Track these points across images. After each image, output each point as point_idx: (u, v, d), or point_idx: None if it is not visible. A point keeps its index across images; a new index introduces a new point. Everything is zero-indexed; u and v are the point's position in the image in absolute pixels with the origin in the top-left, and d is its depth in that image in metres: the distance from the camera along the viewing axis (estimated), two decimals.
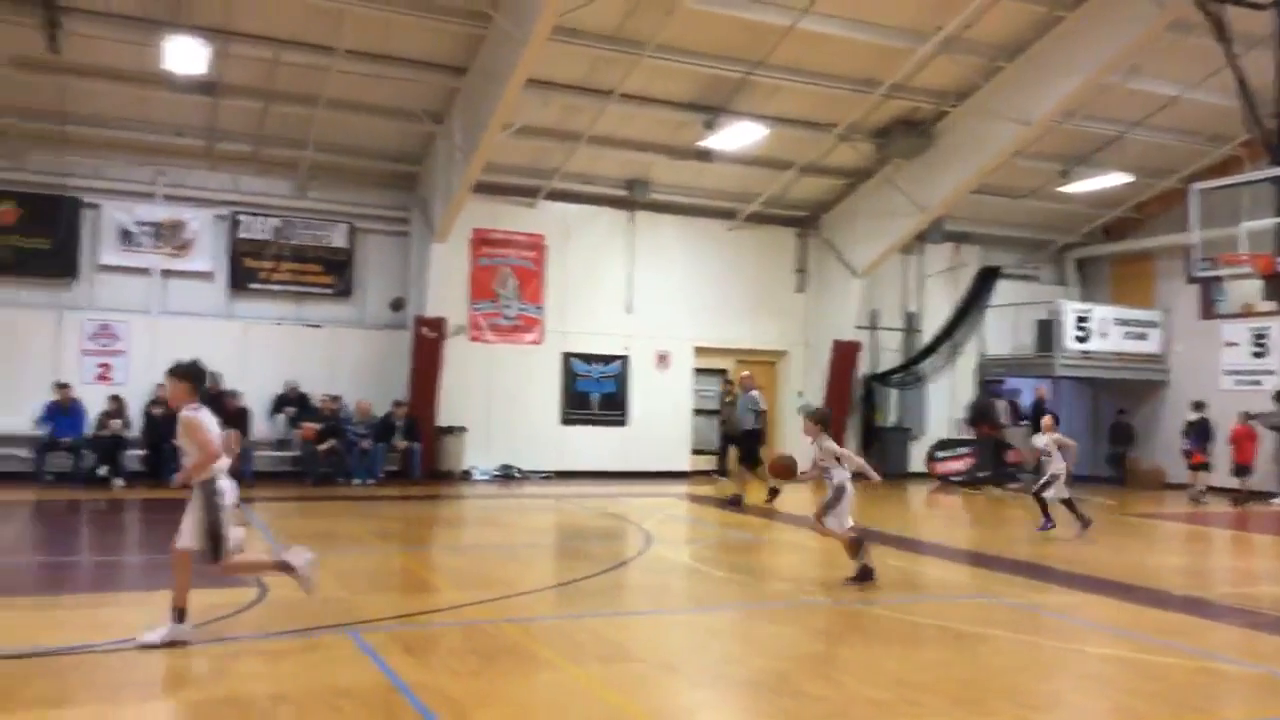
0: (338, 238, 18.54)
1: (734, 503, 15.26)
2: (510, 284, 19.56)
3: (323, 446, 16.88)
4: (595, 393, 20.18)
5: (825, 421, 9.24)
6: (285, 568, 6.80)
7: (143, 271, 17.20)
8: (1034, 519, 12.81)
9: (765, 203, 20.72)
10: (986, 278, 22.19)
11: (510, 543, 11.87)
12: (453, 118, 16.92)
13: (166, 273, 17.36)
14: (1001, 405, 21.43)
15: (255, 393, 16.96)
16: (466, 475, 18.48)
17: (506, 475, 18.84)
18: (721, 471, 19.02)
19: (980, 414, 21.11)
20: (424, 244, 18.33)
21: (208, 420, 6.46)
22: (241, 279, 17.83)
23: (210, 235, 17.64)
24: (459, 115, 16.65)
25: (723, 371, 21.19)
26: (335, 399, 17.49)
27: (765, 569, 10.63)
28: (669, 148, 18.83)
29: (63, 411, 15.67)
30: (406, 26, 15.04)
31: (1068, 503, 12.48)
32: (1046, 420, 13.22)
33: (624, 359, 20.36)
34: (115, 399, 16.04)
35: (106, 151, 16.88)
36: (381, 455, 17.36)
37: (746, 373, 17.07)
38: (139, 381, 16.48)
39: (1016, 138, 17.34)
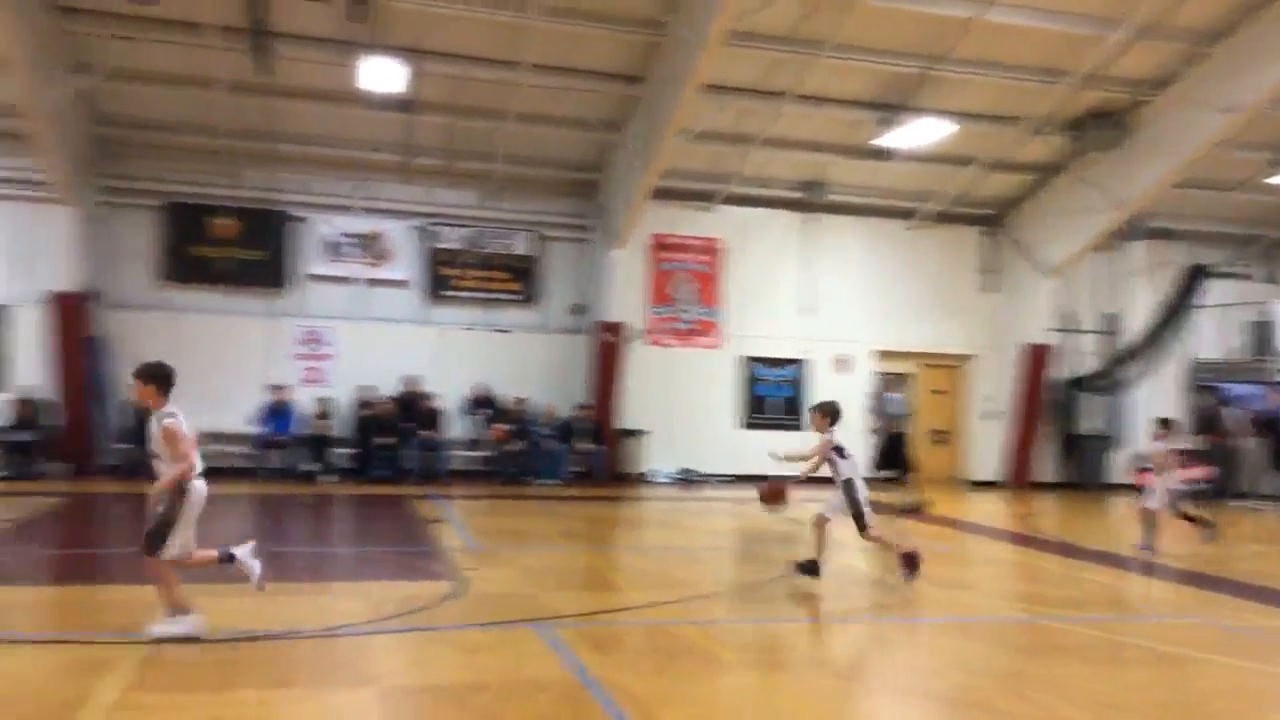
0: (523, 245, 19.20)
1: (912, 511, 14.90)
2: (687, 288, 19.73)
3: (511, 447, 17.50)
4: (774, 396, 20.09)
5: (834, 414, 8.83)
6: (228, 559, 6.75)
7: (346, 280, 18.31)
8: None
9: (947, 201, 20.11)
10: (1193, 277, 20.79)
11: (691, 545, 11.99)
12: (630, 126, 17.23)
13: (368, 281, 18.41)
14: (1229, 412, 20.02)
15: (450, 395, 17.78)
16: (646, 478, 18.75)
17: (686, 478, 19.00)
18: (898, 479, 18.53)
19: (1208, 422, 19.81)
20: (604, 250, 18.74)
21: (186, 428, 6.42)
22: (435, 286, 18.72)
23: (407, 245, 18.60)
24: (637, 123, 16.94)
25: (902, 376, 20.68)
26: (522, 401, 18.11)
27: (956, 580, 10.31)
28: (845, 147, 18.55)
29: (277, 412, 16.86)
30: (586, 38, 15.43)
31: None
32: None
33: (802, 363, 20.18)
34: (323, 400, 17.13)
35: (312, 168, 18.07)
36: (565, 457, 17.84)
37: (885, 374, 16.39)
38: (345, 384, 17.55)
39: (1223, 127, 16.19)
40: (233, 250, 17.72)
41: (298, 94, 16.38)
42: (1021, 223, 20.85)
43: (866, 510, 8.54)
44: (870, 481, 9.14)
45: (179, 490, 6.40)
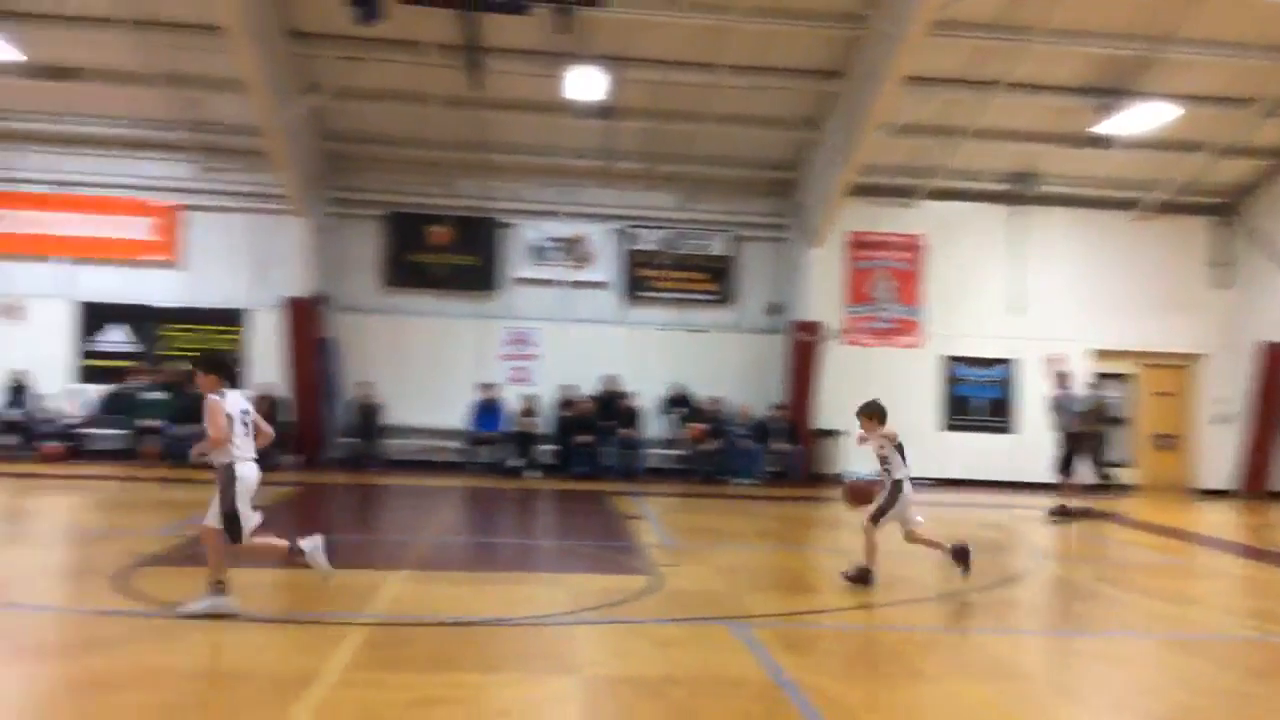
0: (720, 246, 19.30)
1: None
2: (886, 286, 19.30)
3: (707, 446, 17.64)
4: (978, 398, 19.35)
5: (878, 414, 8.75)
6: (297, 552, 7.07)
7: (550, 283, 18.97)
8: None
9: (1172, 190, 18.78)
10: None
11: (889, 549, 11.72)
12: (829, 122, 17.02)
13: (570, 283, 19.00)
14: None
15: (647, 394, 18.11)
16: (844, 479, 18.43)
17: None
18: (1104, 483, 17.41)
19: None
20: (800, 249, 18.59)
21: (226, 407, 6.73)
22: (633, 287, 19.11)
23: (607, 248, 19.08)
24: (835, 119, 16.72)
25: (1122, 376, 19.46)
26: (717, 401, 18.21)
27: (1181, 595, 9.64)
28: (1059, 136, 17.65)
29: (486, 409, 17.66)
30: (784, 36, 15.36)
31: None
32: None
33: (1010, 363, 19.34)
34: (528, 398, 17.81)
35: (520, 175, 18.82)
36: (761, 456, 17.83)
37: (1063, 369, 15.19)
38: (548, 383, 18.20)
39: None
40: (447, 256, 18.69)
41: (507, 105, 17.10)
42: (1259, 211, 19.22)
43: (898, 508, 8.57)
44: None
45: (229, 476, 6.73)
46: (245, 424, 6.86)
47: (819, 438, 18.44)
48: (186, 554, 9.25)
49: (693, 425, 17.85)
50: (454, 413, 17.72)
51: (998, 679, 6.16)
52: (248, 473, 6.80)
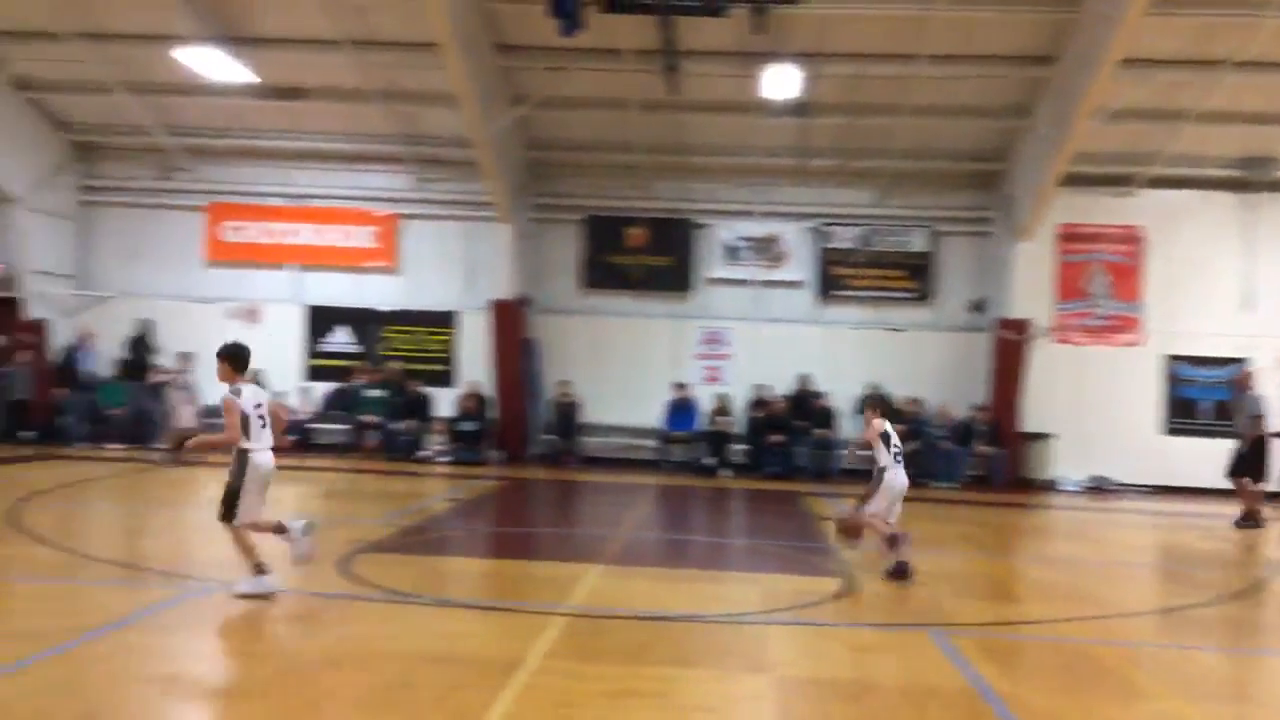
0: (918, 242, 18.77)
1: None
2: (1101, 281, 18.23)
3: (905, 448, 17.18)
4: (1205, 400, 17.98)
5: (878, 406, 9.27)
6: (281, 530, 7.23)
7: (744, 283, 18.98)
8: None
9: None
10: None
11: (1104, 559, 11.09)
12: (1038, 109, 16.25)
13: (764, 283, 18.95)
14: None
15: (841, 394, 17.83)
16: (1052, 485, 17.57)
17: (1098, 487, 17.56)
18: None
19: None
20: (1006, 243, 17.82)
21: (242, 404, 7.00)
22: (828, 286, 18.85)
23: (800, 246, 18.91)
24: (1045, 106, 15.94)
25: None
26: (916, 401, 17.72)
27: None
28: None
29: (681, 408, 17.87)
30: (990, 23, 14.79)
31: None
32: None
33: (1241, 362, 17.85)
34: (721, 398, 17.90)
35: (715, 176, 18.92)
36: (962, 459, 17.21)
37: (1247, 370, 13.76)
38: (741, 382, 18.23)
39: None
40: (643, 258, 19.02)
41: (703, 107, 17.23)
42: None
43: (878, 505, 8.76)
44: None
45: (242, 462, 7.03)
46: (261, 417, 7.18)
47: (1026, 441, 17.63)
48: (402, 542, 9.85)
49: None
50: (649, 411, 18.02)
51: (1225, 701, 5.74)
52: (261, 461, 7.13)
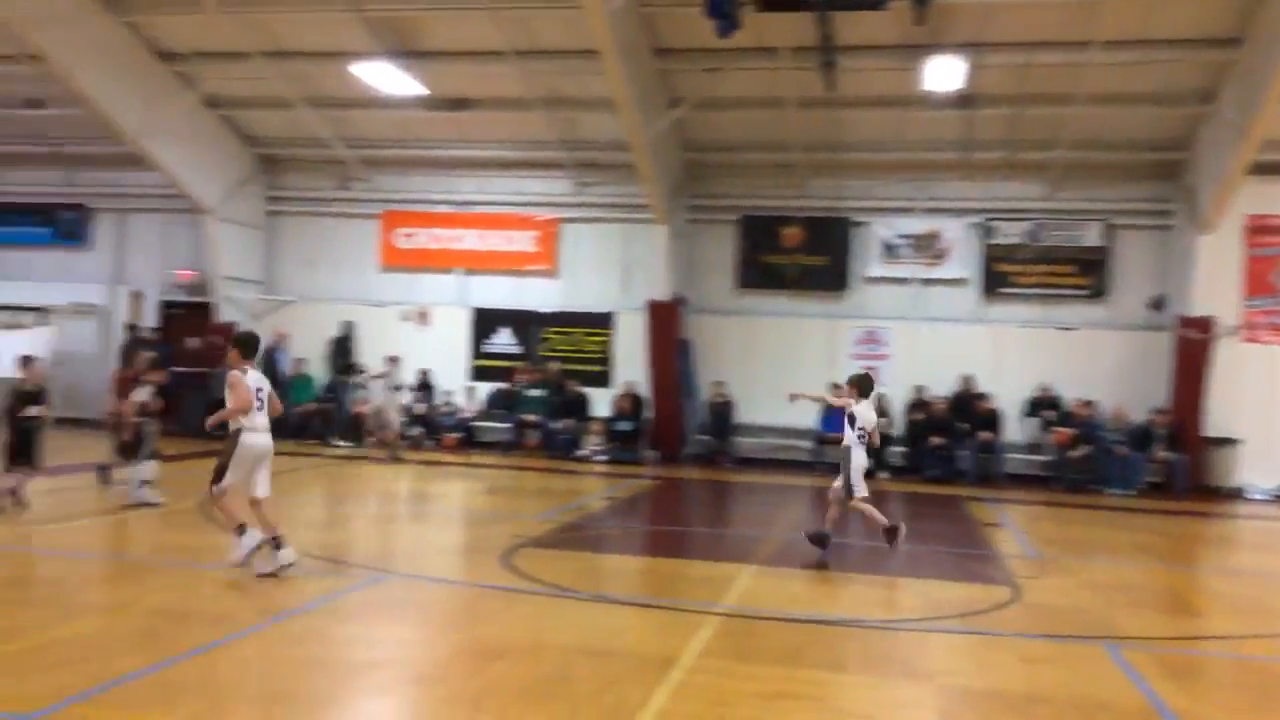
0: (1091, 236, 17.88)
1: None
2: None
3: (1075, 453, 16.44)
4: None
5: (857, 386, 9.82)
6: (240, 530, 7.64)
7: (902, 281, 18.54)
8: None
9: None
10: None
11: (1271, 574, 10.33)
12: (1223, 94, 15.25)
13: (924, 281, 18.46)
14: None
15: (1007, 396, 17.19)
16: (1238, 493, 16.45)
17: None
18: None
19: None
20: (1188, 236, 16.78)
21: (247, 382, 7.67)
22: (993, 283, 18.20)
23: (963, 243, 18.33)
24: (1231, 90, 14.95)
25: None
26: (1089, 404, 16.90)
27: None
28: None
29: (835, 410, 17.58)
30: (1170, 5, 13.97)
31: None
32: None
33: None
34: (879, 398, 17.50)
35: (873, 172, 18.56)
36: (1140, 465, 16.32)
37: None
38: (901, 383, 17.81)
39: None
40: (798, 257, 18.84)
41: (860, 103, 16.94)
42: None
43: (855, 480, 9.51)
44: None
45: (235, 440, 7.68)
46: (259, 401, 7.76)
47: (1209, 446, 16.56)
48: (561, 538, 10.09)
49: (1059, 429, 16.69)
50: (804, 412, 17.81)
51: None
52: (252, 441, 7.72)
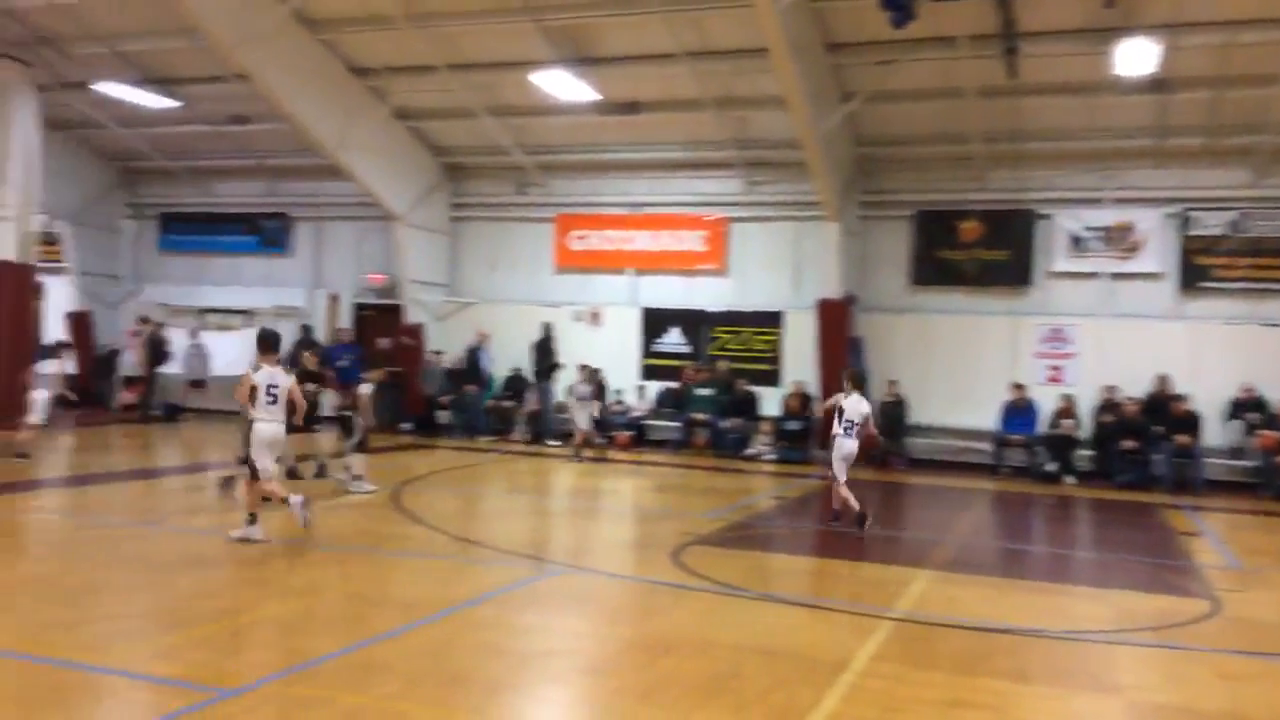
0: None
1: None
2: None
3: None
4: None
5: (851, 379, 10.96)
6: (283, 500, 8.55)
7: (1091, 276, 17.62)
8: None
9: None
10: None
11: None
12: None
13: (1114, 275, 17.50)
14: None
15: (1206, 397, 16.09)
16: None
17: None
18: None
19: None
20: None
21: (255, 379, 8.57)
22: (1191, 278, 17.07)
23: (1159, 235, 17.26)
24: None
25: None
26: None
27: None
28: None
29: (1017, 410, 16.93)
30: None
31: None
32: None
33: None
34: (1066, 399, 16.75)
35: (1057, 163, 17.73)
36: None
37: None
38: (1089, 383, 16.95)
39: None
40: (976, 252, 18.20)
41: (1044, 90, 16.22)
42: None
43: (838, 467, 10.54)
44: None
45: (248, 430, 8.68)
46: (271, 395, 8.62)
47: None
48: (729, 537, 10.14)
49: (1264, 433, 15.49)
50: (983, 413, 17.21)
51: None
52: (263, 429, 8.58)
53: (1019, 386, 17.04)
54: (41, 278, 19.67)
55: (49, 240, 21.87)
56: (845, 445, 10.53)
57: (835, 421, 10.71)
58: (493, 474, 15.23)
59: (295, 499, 8.59)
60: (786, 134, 16.91)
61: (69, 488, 12.02)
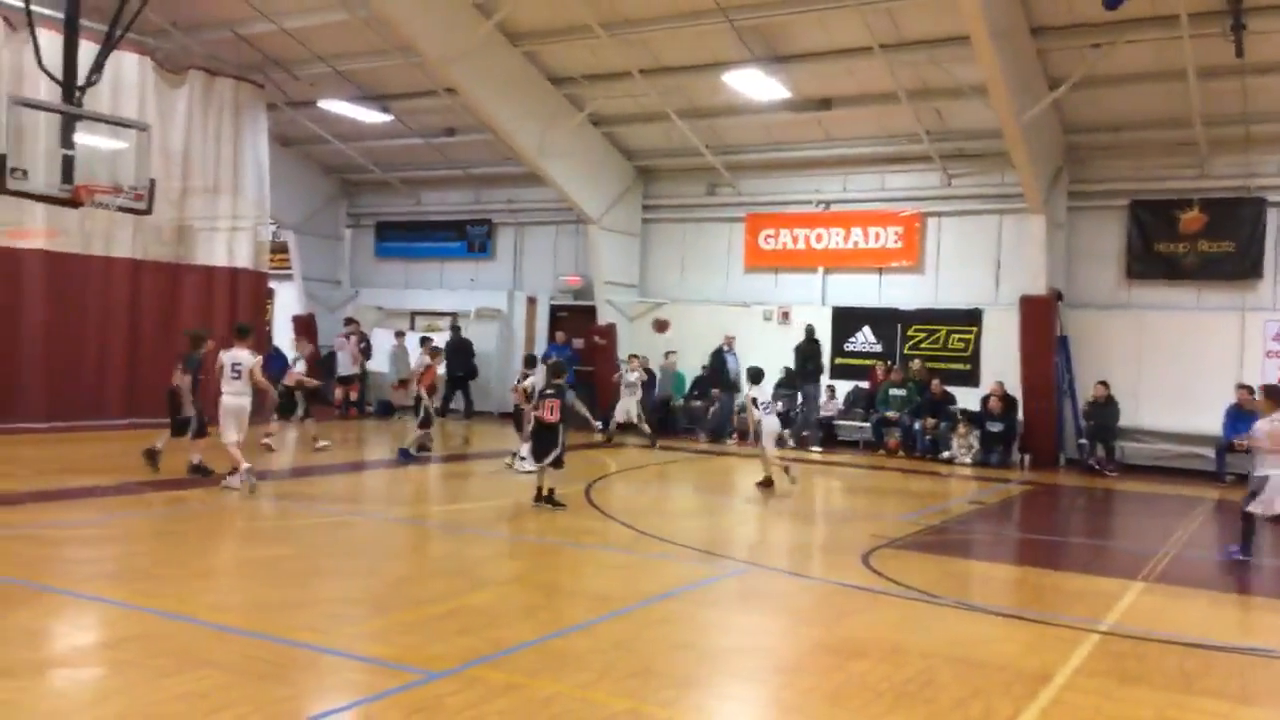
0: None
1: None
2: None
3: None
4: None
5: (755, 377, 12.70)
6: (232, 471, 10.55)
7: None
8: None
9: None
10: None
11: None
12: None
13: None
14: None
15: None
16: None
17: None
18: None
19: None
20: None
21: (221, 359, 10.83)
22: None
23: None
24: None
25: None
26: None
27: None
28: None
29: (1243, 414, 15.63)
30: None
31: None
32: None
33: None
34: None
35: None
36: None
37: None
38: None
39: None
40: (1198, 244, 16.95)
41: (1276, 69, 14.97)
42: None
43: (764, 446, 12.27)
44: None
45: (219, 403, 10.77)
46: (236, 372, 10.66)
47: None
48: (923, 541, 9.89)
49: None
50: (1205, 416, 16.00)
51: None
52: (225, 402, 10.69)
53: (1246, 388, 15.73)
54: (272, 283, 21.41)
55: (279, 248, 23.78)
56: (769, 423, 12.46)
57: (753, 410, 12.51)
58: (681, 472, 15.42)
59: (234, 477, 10.47)
60: (987, 124, 16.33)
61: (294, 478, 13.00)
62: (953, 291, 18.77)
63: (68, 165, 12.20)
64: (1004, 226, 18.13)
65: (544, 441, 10.31)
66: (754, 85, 17.12)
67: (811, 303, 19.96)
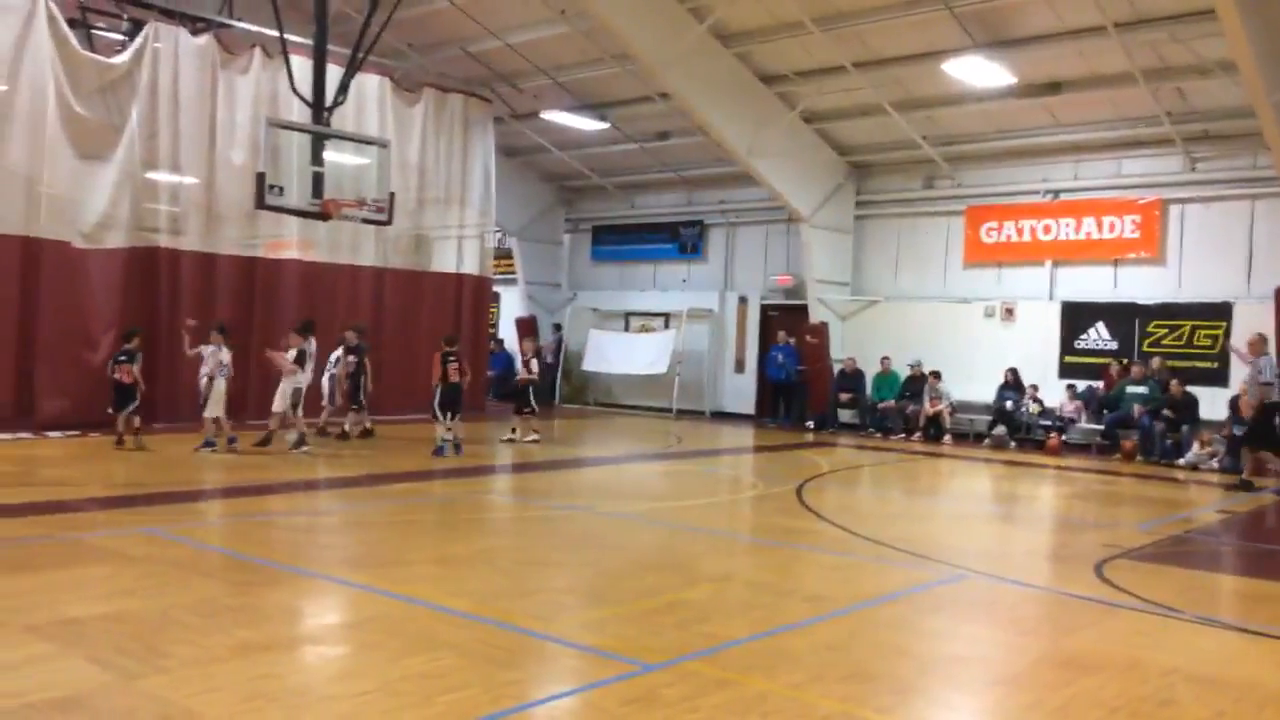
0: None
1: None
2: None
3: None
4: None
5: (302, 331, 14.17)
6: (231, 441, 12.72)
7: None
8: None
9: None
10: None
11: None
12: None
13: None
14: None
15: None
16: None
17: None
18: None
19: None
20: None
21: (202, 352, 12.82)
22: None
23: None
24: None
25: None
26: None
27: None
28: None
29: None
30: None
31: None
32: None
33: None
34: None
35: None
36: None
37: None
38: None
39: None
40: None
41: None
42: None
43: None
44: None
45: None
46: (220, 363, 12.69)
47: None
48: (1162, 552, 9.25)
49: None
50: None
51: None
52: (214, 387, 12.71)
53: None
54: (497, 287, 22.51)
55: (503, 254, 24.99)
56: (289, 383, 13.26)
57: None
58: (893, 474, 15.07)
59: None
60: (1236, 102, 15.12)
61: (516, 474, 13.63)
62: (1198, 284, 17.42)
63: (318, 181, 13.25)
64: (1258, 213, 16.66)
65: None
66: (976, 72, 16.54)
67: (1038, 298, 19.02)
